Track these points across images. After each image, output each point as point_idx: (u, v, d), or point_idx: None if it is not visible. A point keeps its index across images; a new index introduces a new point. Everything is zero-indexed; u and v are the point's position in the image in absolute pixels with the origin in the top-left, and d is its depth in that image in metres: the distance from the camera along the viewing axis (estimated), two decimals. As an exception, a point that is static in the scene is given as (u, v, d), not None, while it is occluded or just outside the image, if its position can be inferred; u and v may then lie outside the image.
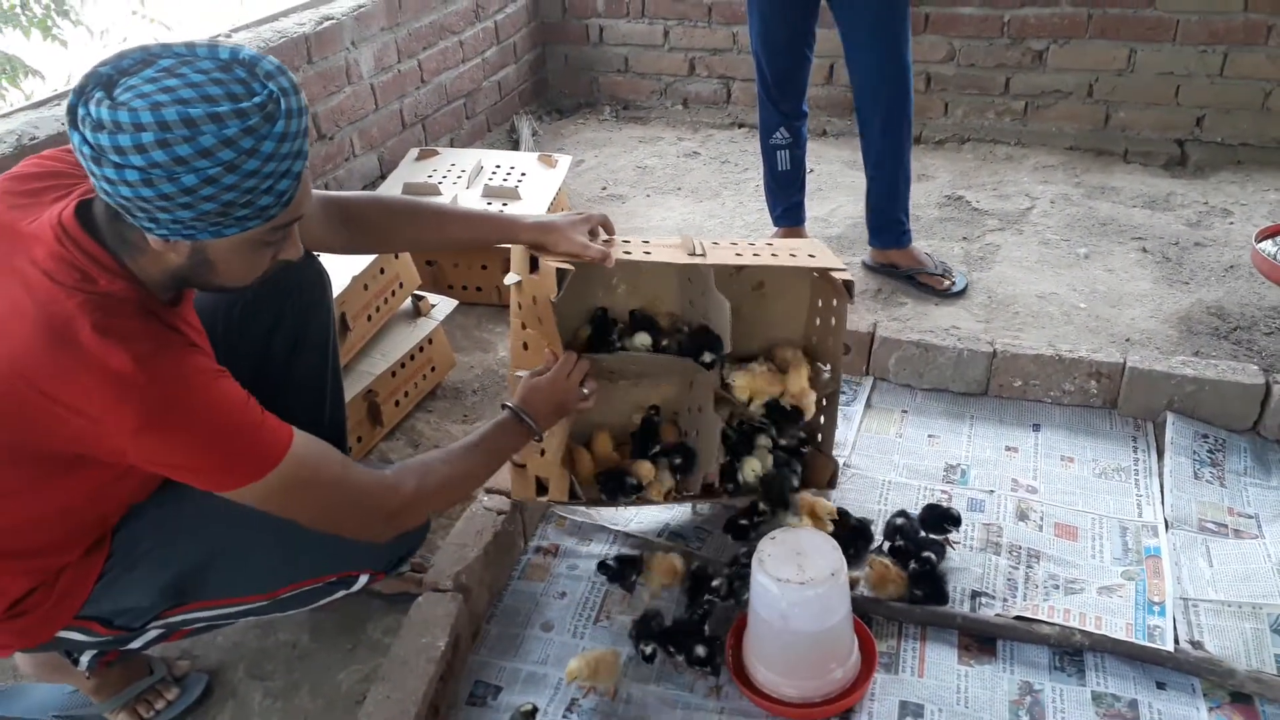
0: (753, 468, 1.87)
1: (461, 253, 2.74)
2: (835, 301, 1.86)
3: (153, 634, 1.47)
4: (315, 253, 1.62)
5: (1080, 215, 3.17)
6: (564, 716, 1.59)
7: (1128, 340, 2.49)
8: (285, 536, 1.36)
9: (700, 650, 1.60)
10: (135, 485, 1.35)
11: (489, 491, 1.88)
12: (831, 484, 1.98)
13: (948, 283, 2.74)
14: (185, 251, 1.15)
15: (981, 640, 1.67)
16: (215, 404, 1.18)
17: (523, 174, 3.12)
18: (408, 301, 2.38)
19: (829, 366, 1.93)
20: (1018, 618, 1.67)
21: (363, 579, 1.51)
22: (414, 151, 3.32)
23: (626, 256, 1.68)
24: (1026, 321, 2.62)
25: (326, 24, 2.95)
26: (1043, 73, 3.62)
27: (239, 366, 1.26)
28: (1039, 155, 3.62)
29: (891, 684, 1.61)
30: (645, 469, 1.83)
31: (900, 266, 2.81)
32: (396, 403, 2.29)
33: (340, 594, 1.51)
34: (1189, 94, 3.47)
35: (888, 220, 2.77)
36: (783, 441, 1.93)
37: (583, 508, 1.97)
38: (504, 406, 1.60)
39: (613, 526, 1.94)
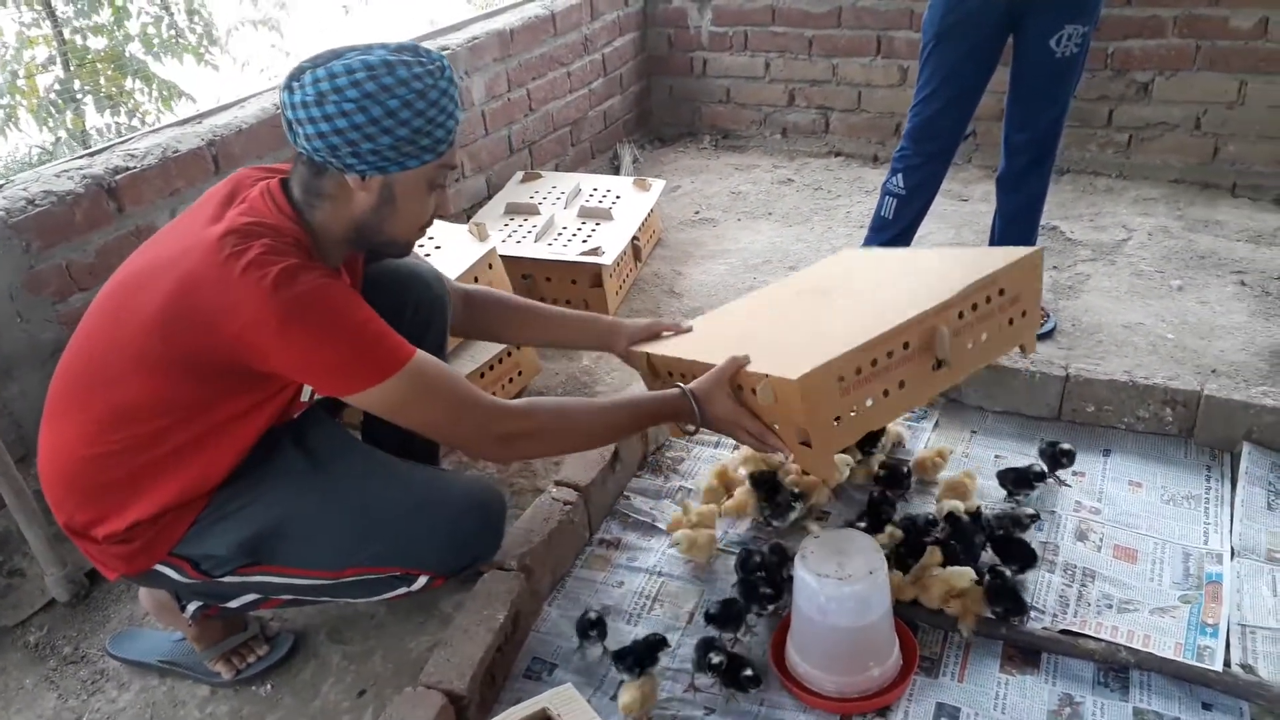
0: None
1: (552, 269, 2.90)
2: None
3: (247, 599, 1.66)
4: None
5: (1178, 248, 3.11)
6: (611, 700, 1.67)
7: (1213, 371, 2.44)
8: (358, 522, 1.56)
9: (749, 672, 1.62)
10: (256, 429, 1.54)
11: (558, 484, 2.00)
12: None
13: None
14: (375, 189, 1.45)
15: (1026, 652, 1.68)
16: (350, 309, 1.41)
17: (617, 196, 3.27)
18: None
19: None
20: (1063, 631, 1.68)
21: (422, 580, 1.65)
22: (519, 174, 3.53)
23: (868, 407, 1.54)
24: (1110, 350, 2.59)
25: (443, 54, 3.17)
26: (1148, 105, 3.57)
27: None
28: (1141, 188, 3.56)
29: (930, 686, 1.64)
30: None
31: None
32: (483, 403, 2.45)
33: (400, 591, 1.66)
34: (1304, 127, 3.37)
35: None
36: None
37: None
38: (682, 389, 1.66)
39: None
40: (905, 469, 2.07)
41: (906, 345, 1.54)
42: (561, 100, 3.88)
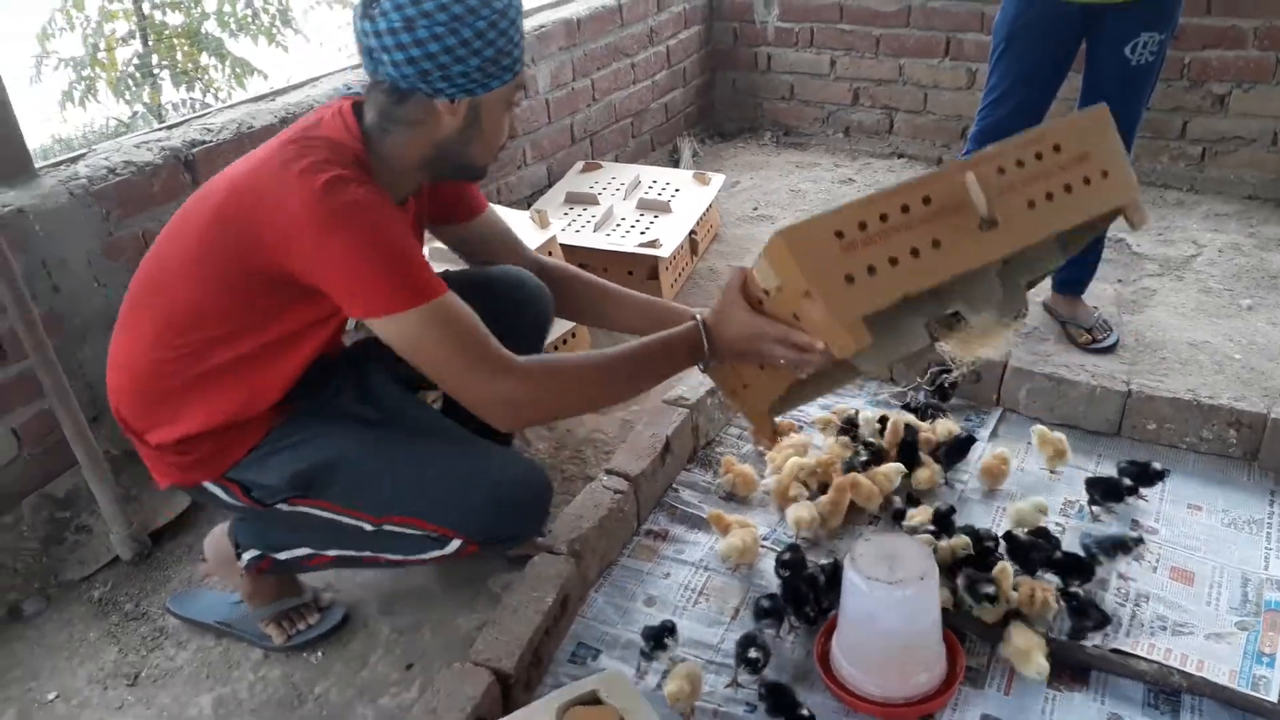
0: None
1: (610, 259, 2.91)
2: None
3: (298, 552, 1.72)
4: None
5: (1249, 266, 3.03)
6: (657, 690, 1.68)
7: (1282, 394, 2.39)
8: (404, 471, 1.60)
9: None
10: (302, 357, 1.57)
11: (609, 472, 2.02)
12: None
13: (1086, 338, 2.69)
14: (462, 112, 1.47)
15: (1075, 670, 1.67)
16: (393, 230, 1.42)
17: (676, 190, 3.27)
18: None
19: None
20: (1114, 650, 1.66)
21: (455, 543, 1.63)
22: (579, 164, 3.54)
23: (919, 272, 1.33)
24: (1173, 367, 2.54)
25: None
26: (1224, 118, 3.48)
27: None
28: (1212, 203, 3.48)
29: (975, 697, 1.63)
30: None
31: (1059, 312, 2.78)
32: (537, 388, 2.47)
33: (434, 554, 1.66)
34: (1388, 147, 3.27)
35: (1075, 273, 2.72)
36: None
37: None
38: (695, 318, 1.55)
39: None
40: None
41: (928, 201, 1.36)
42: (624, 91, 3.89)
